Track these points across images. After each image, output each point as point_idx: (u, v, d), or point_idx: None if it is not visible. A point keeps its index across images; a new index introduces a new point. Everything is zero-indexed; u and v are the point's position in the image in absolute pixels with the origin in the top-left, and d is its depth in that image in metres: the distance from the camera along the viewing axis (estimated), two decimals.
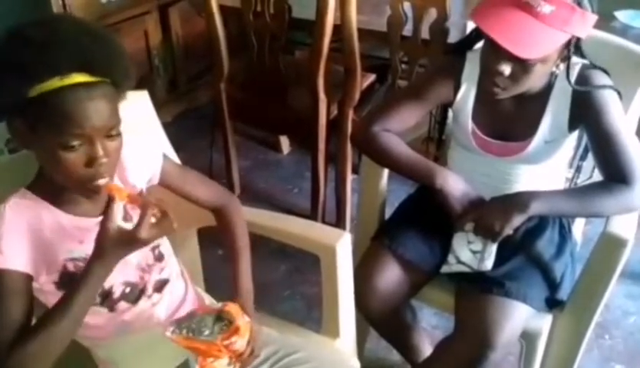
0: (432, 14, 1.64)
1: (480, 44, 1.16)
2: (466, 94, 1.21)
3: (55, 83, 0.76)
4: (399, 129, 1.26)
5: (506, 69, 1.05)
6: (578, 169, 1.31)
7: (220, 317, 0.91)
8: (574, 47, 1.07)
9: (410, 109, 1.26)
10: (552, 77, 1.14)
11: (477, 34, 1.17)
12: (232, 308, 0.92)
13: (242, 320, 0.91)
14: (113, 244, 0.80)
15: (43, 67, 0.76)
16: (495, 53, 1.04)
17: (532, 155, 1.19)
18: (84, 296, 0.81)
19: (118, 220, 0.86)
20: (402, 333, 1.39)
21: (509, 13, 1.00)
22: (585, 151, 1.27)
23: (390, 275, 1.26)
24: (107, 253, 0.81)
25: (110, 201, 0.81)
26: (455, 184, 1.19)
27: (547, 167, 1.24)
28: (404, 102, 1.27)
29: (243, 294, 1.03)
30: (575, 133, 1.21)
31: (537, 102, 1.16)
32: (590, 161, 1.25)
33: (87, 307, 0.84)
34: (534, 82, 1.10)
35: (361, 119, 1.27)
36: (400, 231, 1.31)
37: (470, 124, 1.22)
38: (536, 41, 1.00)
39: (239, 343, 0.91)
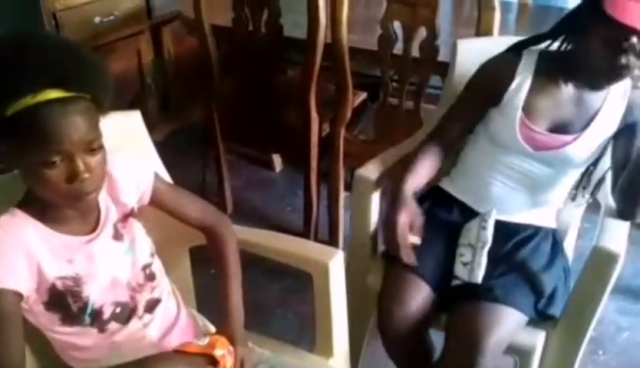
0: (422, 33, 1.66)
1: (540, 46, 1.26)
2: (521, 85, 1.25)
3: (29, 100, 0.76)
4: (458, 137, 1.32)
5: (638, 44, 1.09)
6: (588, 175, 1.32)
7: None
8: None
9: (469, 113, 1.31)
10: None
11: (540, 39, 1.25)
12: (217, 346, 0.91)
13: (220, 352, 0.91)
14: None
15: (14, 85, 0.76)
16: (622, 38, 1.08)
17: (571, 152, 1.23)
18: None
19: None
20: (421, 361, 1.34)
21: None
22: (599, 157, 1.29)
23: (420, 297, 1.23)
24: None
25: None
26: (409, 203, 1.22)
27: (566, 171, 1.28)
28: (462, 110, 1.32)
29: (232, 316, 1.02)
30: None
31: (597, 99, 1.22)
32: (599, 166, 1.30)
33: None
34: None
35: (427, 135, 1.39)
36: (421, 250, 1.27)
37: (518, 113, 1.24)
38: None
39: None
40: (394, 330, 1.25)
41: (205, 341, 0.93)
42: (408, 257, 1.21)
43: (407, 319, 1.23)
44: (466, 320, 1.16)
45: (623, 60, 1.10)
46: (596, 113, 1.22)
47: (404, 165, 1.30)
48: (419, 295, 1.24)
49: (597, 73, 1.17)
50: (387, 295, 1.26)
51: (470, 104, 1.31)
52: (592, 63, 1.16)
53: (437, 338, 1.70)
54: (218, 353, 0.90)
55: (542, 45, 1.27)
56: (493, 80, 1.28)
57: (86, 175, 0.80)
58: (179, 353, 0.91)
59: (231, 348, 0.94)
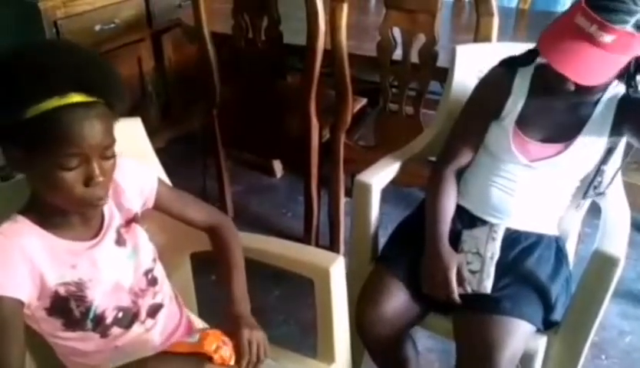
0: (421, 38, 1.66)
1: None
2: (517, 99, 1.26)
3: (53, 102, 0.77)
4: (470, 156, 1.33)
5: (571, 87, 1.12)
6: (600, 173, 1.32)
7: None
8: (634, 63, 1.11)
9: (473, 131, 1.31)
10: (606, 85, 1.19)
11: (532, 55, 1.23)
12: (207, 342, 0.90)
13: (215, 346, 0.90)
14: None
15: (42, 87, 0.77)
16: (561, 76, 1.09)
17: (565, 159, 1.23)
18: None
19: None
20: (403, 364, 1.37)
21: (573, 43, 1.07)
22: (608, 154, 1.29)
23: (397, 302, 1.25)
24: None
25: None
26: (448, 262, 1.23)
27: (566, 179, 1.28)
28: (466, 128, 1.33)
29: (236, 300, 1.02)
30: (602, 152, 1.25)
31: (587, 106, 1.22)
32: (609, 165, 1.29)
33: None
34: (597, 90, 1.16)
35: (435, 161, 1.41)
36: (404, 255, 1.31)
37: (512, 126, 1.25)
38: (597, 69, 1.07)
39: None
40: (369, 331, 1.26)
41: (195, 338, 0.92)
42: (456, 295, 1.23)
43: (381, 320, 1.24)
44: (477, 334, 1.16)
45: (566, 86, 1.11)
46: (587, 119, 1.22)
47: (429, 206, 1.31)
48: (395, 297, 1.25)
49: (552, 90, 1.18)
50: (363, 296, 1.28)
51: (474, 121, 1.31)
52: (550, 81, 1.16)
53: (435, 341, 1.71)
54: (209, 347, 0.89)
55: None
56: (492, 95, 1.28)
57: (100, 179, 0.82)
58: (168, 354, 0.91)
59: (226, 339, 0.93)
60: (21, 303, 0.84)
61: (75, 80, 0.79)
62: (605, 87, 1.18)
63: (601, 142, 1.24)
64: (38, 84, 0.77)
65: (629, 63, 1.11)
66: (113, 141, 0.84)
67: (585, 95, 1.17)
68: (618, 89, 1.21)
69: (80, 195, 0.82)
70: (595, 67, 1.07)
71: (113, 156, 0.85)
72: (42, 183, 0.84)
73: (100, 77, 0.83)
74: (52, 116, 0.77)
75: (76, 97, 0.78)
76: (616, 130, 1.22)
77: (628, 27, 1.04)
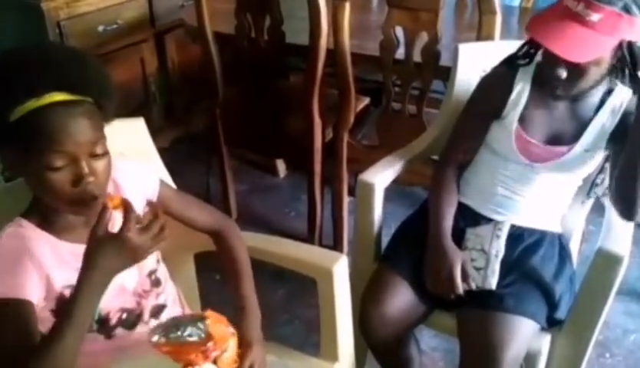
0: (423, 37, 1.66)
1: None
2: (517, 99, 1.26)
3: (32, 104, 0.77)
4: (471, 153, 1.34)
5: (563, 73, 1.12)
6: (603, 171, 1.32)
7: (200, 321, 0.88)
8: (627, 50, 1.11)
9: (475, 130, 1.32)
10: (610, 87, 1.20)
11: (529, 49, 1.24)
12: (211, 316, 0.89)
13: (218, 328, 0.89)
14: (103, 252, 0.77)
15: (18, 89, 0.77)
16: (551, 60, 1.11)
17: (567, 162, 1.23)
18: (81, 311, 0.78)
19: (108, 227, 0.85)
20: (405, 364, 1.37)
21: (560, 23, 1.09)
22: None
23: (401, 301, 1.26)
24: (97, 262, 0.77)
25: (102, 209, 0.79)
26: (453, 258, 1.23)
27: (568, 178, 1.28)
28: (467, 128, 1.33)
29: (251, 314, 1.01)
30: (604, 155, 1.25)
31: (589, 109, 1.22)
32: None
33: (86, 326, 0.80)
34: (590, 82, 1.15)
35: (438, 160, 1.41)
36: (408, 254, 1.31)
37: (514, 125, 1.25)
38: (585, 46, 1.07)
39: (222, 352, 0.89)
40: (373, 330, 1.27)
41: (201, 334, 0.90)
42: (461, 290, 1.23)
43: (385, 319, 1.24)
44: (481, 332, 1.16)
45: (557, 72, 1.12)
46: (588, 124, 1.22)
47: (433, 204, 1.31)
48: (398, 296, 1.26)
49: (546, 82, 1.18)
50: (366, 295, 1.28)
51: (476, 120, 1.31)
52: (543, 73, 1.17)
53: (440, 340, 1.71)
54: (210, 316, 0.88)
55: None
56: (493, 94, 1.28)
57: (90, 179, 0.81)
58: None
59: (230, 329, 0.91)
60: (30, 304, 0.84)
61: (55, 79, 0.78)
62: (598, 84, 1.17)
63: (600, 151, 1.24)
64: (14, 87, 0.77)
65: (622, 53, 1.11)
66: (101, 138, 0.83)
67: (578, 89, 1.16)
68: (624, 95, 1.20)
69: (71, 195, 0.81)
70: (583, 44, 1.07)
71: (105, 155, 0.83)
72: (34, 185, 0.84)
73: (83, 76, 0.82)
74: (33, 117, 0.77)
75: (57, 96, 0.78)
76: (614, 140, 1.21)
77: (616, 8, 1.04)
